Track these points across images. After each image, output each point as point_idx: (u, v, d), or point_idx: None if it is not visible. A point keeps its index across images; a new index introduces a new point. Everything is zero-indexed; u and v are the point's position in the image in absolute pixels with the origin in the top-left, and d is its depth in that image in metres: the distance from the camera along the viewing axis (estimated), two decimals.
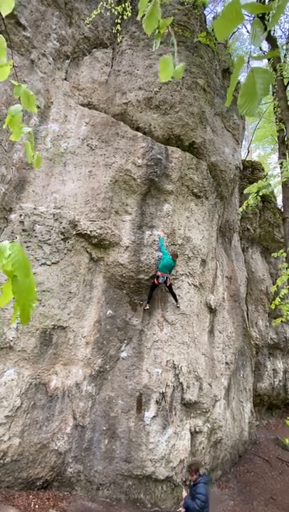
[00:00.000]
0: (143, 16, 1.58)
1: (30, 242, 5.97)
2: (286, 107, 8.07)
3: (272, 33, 9.84)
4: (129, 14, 7.53)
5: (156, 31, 1.66)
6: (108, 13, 7.83)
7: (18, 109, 1.72)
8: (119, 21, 7.70)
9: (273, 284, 11.92)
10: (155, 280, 6.75)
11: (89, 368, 6.33)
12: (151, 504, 6.09)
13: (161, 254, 6.91)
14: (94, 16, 7.38)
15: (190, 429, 6.98)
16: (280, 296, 6.77)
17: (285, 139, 9.32)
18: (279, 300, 6.77)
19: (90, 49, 8.05)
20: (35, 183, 6.48)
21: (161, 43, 7.49)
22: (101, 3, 7.43)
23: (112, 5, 7.51)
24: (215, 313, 8.68)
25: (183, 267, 7.67)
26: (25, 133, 1.81)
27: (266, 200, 12.35)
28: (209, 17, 16.07)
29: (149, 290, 6.95)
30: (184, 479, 6.63)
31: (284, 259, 10.49)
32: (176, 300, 7.13)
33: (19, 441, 5.29)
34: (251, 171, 13.01)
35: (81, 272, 6.60)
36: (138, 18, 1.59)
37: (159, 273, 6.69)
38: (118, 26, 7.81)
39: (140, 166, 7.21)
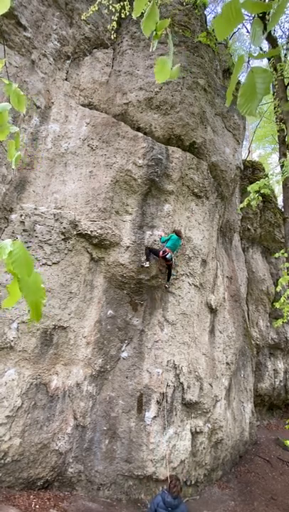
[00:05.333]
0: (141, 16, 1.57)
1: (30, 242, 5.97)
2: (287, 106, 8.05)
3: (272, 32, 9.84)
4: (128, 13, 7.50)
5: (154, 33, 1.65)
6: (108, 13, 7.81)
7: (5, 107, 1.72)
8: (115, 18, 7.62)
9: (274, 284, 11.92)
10: (161, 253, 6.65)
11: (89, 368, 6.34)
12: None
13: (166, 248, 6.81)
14: (91, 13, 7.30)
15: (191, 430, 6.97)
16: (284, 296, 6.75)
17: (286, 138, 9.30)
18: (284, 299, 6.74)
19: (91, 49, 8.05)
20: (35, 183, 6.49)
21: (162, 43, 7.52)
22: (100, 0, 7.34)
23: (111, 1, 7.45)
24: (215, 314, 8.68)
25: (183, 267, 7.67)
26: (12, 132, 1.82)
27: (267, 200, 12.33)
28: (210, 17, 16.05)
29: (148, 252, 6.84)
30: (184, 479, 6.63)
31: (285, 259, 10.47)
32: (168, 279, 7.21)
33: (20, 441, 5.29)
34: (252, 171, 12.98)
35: (82, 272, 6.60)
36: (133, 16, 1.58)
37: (167, 249, 6.63)
38: (114, 23, 7.68)
39: (141, 166, 7.21)
